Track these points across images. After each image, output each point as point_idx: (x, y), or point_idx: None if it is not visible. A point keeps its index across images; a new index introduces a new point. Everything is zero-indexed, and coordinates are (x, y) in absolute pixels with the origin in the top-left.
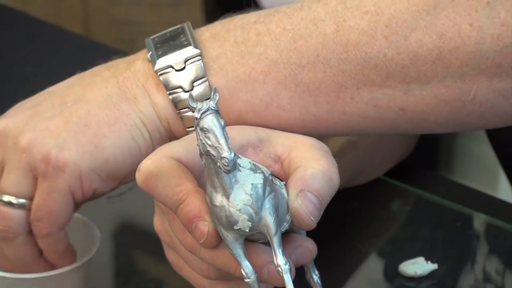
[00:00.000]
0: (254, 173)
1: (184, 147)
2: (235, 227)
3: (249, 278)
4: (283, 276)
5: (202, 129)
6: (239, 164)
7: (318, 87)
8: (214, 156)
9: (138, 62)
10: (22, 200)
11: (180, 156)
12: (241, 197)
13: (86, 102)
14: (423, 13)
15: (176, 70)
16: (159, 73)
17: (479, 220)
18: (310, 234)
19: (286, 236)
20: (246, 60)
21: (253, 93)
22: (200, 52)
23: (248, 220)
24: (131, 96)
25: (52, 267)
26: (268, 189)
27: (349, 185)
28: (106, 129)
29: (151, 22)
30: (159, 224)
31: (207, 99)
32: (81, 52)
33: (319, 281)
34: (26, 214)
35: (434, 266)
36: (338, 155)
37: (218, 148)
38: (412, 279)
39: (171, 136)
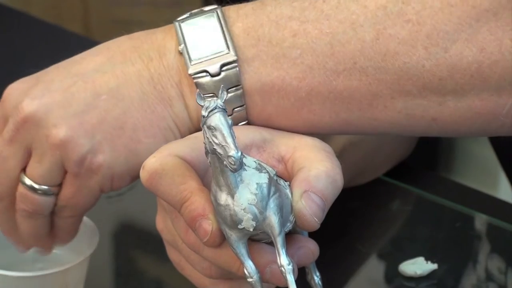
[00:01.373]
0: (259, 172)
1: (189, 146)
2: (239, 226)
3: (251, 277)
4: (286, 276)
5: (209, 127)
6: (244, 163)
7: (351, 94)
8: (221, 154)
9: (170, 55)
10: (45, 187)
11: (185, 154)
12: (246, 196)
13: (121, 98)
14: (465, 26)
15: (211, 76)
16: (193, 77)
17: (479, 220)
18: (310, 234)
19: (288, 237)
20: (281, 64)
21: (286, 98)
22: (237, 59)
23: (253, 220)
24: (166, 97)
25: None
26: (273, 189)
27: (349, 185)
28: (142, 134)
29: (151, 22)
30: (162, 222)
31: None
32: (81, 52)
33: (320, 282)
34: (52, 200)
35: (434, 266)
36: (339, 156)
37: (225, 146)
38: (412, 279)
39: None
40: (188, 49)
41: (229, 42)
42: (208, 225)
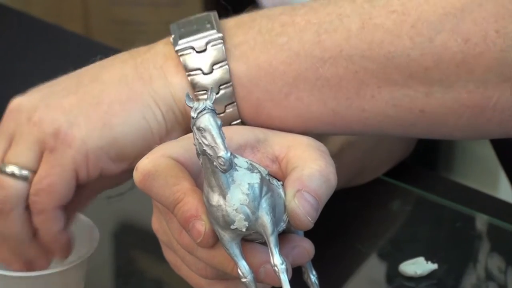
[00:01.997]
0: (251, 172)
1: (182, 147)
2: (232, 227)
3: (245, 277)
4: (279, 276)
5: (198, 129)
6: (235, 164)
7: (338, 82)
8: (211, 155)
9: (159, 45)
10: (25, 172)
11: (178, 155)
12: (237, 196)
13: (101, 81)
14: (449, 16)
15: (197, 52)
16: (179, 54)
17: (480, 220)
18: (310, 234)
19: (283, 236)
20: (268, 49)
21: (273, 82)
22: (223, 36)
23: (245, 220)
24: (146, 76)
25: (45, 253)
26: (265, 188)
27: (349, 185)
28: (117, 107)
29: (151, 22)
30: (157, 223)
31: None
32: (81, 52)
33: (316, 281)
34: (26, 187)
35: (434, 266)
36: (337, 156)
37: (214, 147)
38: (412, 279)
39: (186, 118)
40: (178, 34)
41: (216, 27)
42: (201, 225)
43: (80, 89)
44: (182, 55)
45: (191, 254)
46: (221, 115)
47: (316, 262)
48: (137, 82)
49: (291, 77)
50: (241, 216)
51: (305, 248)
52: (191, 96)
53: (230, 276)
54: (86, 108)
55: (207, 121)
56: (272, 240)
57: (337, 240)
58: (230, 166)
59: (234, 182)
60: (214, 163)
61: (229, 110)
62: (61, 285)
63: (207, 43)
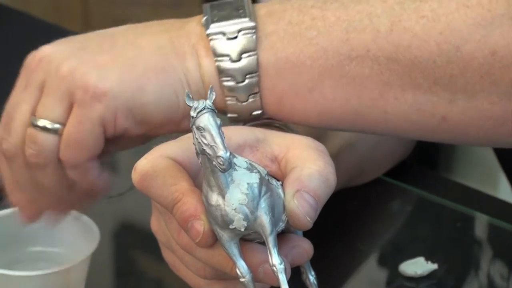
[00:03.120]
0: (250, 172)
1: (180, 147)
2: (231, 227)
3: (244, 277)
4: (278, 276)
5: (198, 128)
6: (235, 164)
7: (363, 82)
8: (210, 155)
9: (192, 24)
10: (57, 125)
11: (176, 156)
12: (236, 196)
13: (137, 45)
14: (478, 27)
15: (228, 39)
16: (210, 38)
17: (480, 220)
18: (310, 234)
19: (282, 236)
20: (297, 42)
21: (299, 76)
22: (255, 26)
23: (244, 220)
24: (181, 52)
25: (85, 198)
26: (264, 188)
27: (349, 185)
28: (152, 74)
29: None
30: (156, 224)
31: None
32: None
33: (315, 281)
34: (58, 140)
35: (434, 266)
36: (336, 158)
37: (213, 147)
38: (412, 279)
39: None
40: (211, 17)
41: (249, 15)
42: (200, 225)
43: (115, 49)
44: (212, 39)
45: (190, 254)
46: (243, 104)
47: (316, 262)
48: (173, 55)
49: (317, 72)
50: (240, 216)
51: (304, 248)
52: (190, 96)
53: (228, 276)
54: (121, 67)
55: (206, 120)
56: (270, 240)
57: (337, 240)
58: (229, 166)
59: (233, 181)
60: (213, 163)
61: (251, 99)
62: (61, 284)
63: (239, 31)
